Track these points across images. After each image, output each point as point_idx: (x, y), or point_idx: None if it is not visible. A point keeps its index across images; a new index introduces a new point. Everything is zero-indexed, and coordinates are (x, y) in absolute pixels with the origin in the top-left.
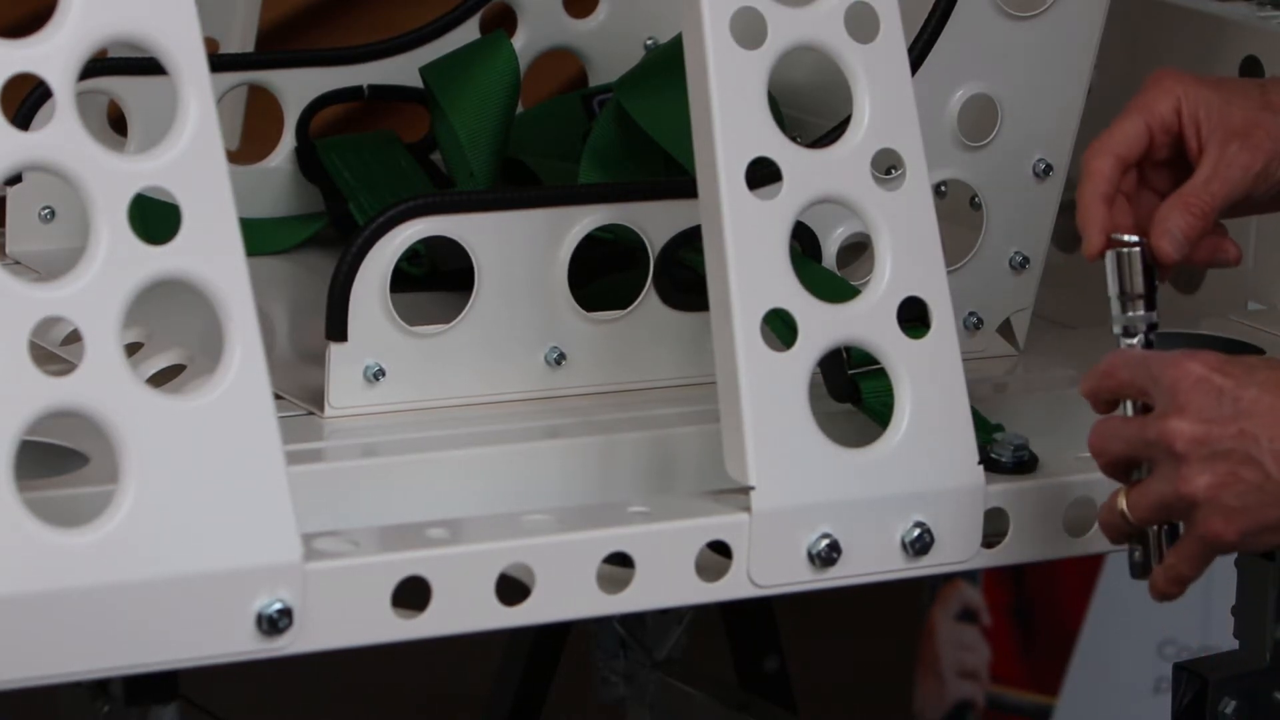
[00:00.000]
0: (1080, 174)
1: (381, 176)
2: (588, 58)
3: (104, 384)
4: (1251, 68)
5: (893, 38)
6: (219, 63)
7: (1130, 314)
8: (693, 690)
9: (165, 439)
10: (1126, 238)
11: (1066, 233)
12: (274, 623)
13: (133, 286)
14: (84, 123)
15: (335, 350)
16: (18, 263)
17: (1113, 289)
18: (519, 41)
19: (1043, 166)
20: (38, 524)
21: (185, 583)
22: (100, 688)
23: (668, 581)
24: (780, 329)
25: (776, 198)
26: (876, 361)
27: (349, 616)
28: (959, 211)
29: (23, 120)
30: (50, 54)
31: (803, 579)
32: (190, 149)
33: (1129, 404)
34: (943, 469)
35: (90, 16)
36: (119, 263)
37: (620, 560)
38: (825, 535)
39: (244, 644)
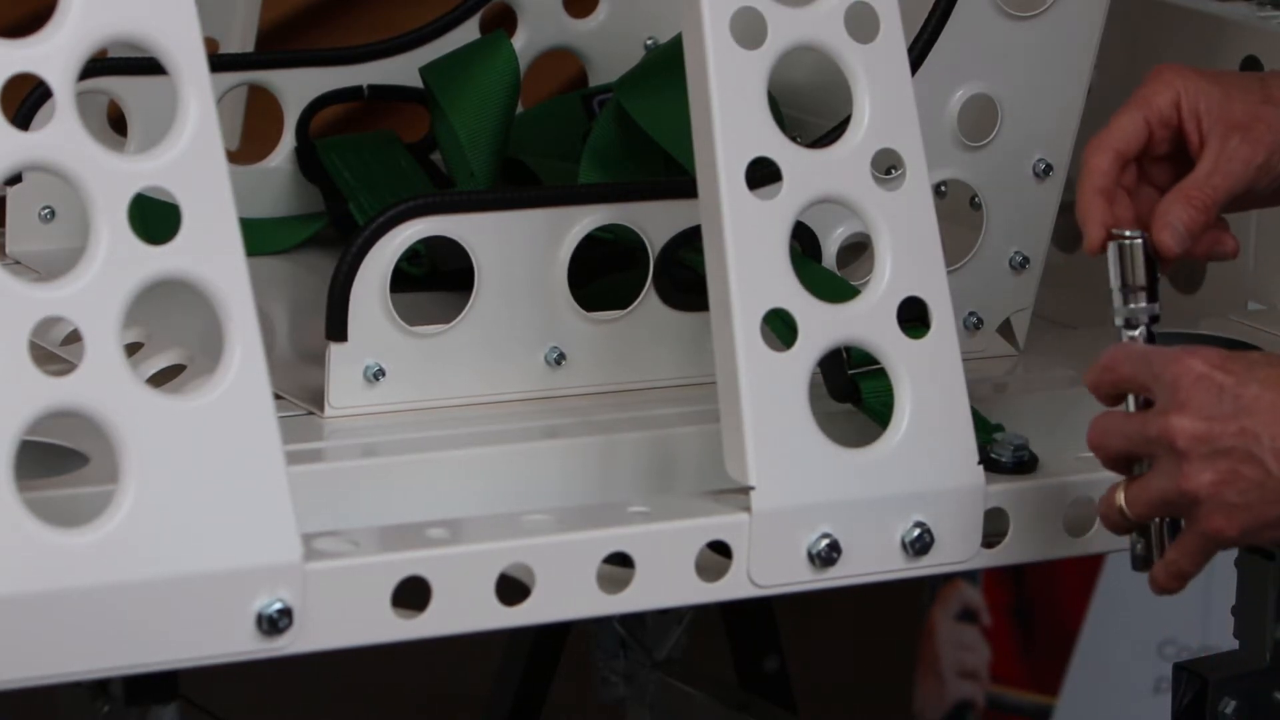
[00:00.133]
0: (1079, 170)
1: (381, 176)
2: (588, 58)
3: (104, 384)
4: (1251, 68)
5: (893, 38)
6: (219, 63)
7: (1132, 306)
8: (693, 690)
9: (165, 439)
10: (1128, 232)
11: (1066, 233)
12: (274, 623)
13: (133, 286)
14: (84, 123)
15: (335, 350)
16: (18, 263)
17: (1114, 281)
18: (519, 41)
19: (1043, 166)
20: (38, 524)
21: (185, 583)
22: (100, 688)
23: (668, 581)
24: (780, 329)
25: (776, 198)
26: (876, 361)
27: (349, 616)
28: (959, 211)
29: (23, 120)
30: (50, 54)
31: (803, 579)
32: (190, 149)
33: (1131, 398)
34: (943, 469)
35: (90, 16)
36: (119, 263)
37: (620, 560)
38: (825, 535)
39: (244, 644)
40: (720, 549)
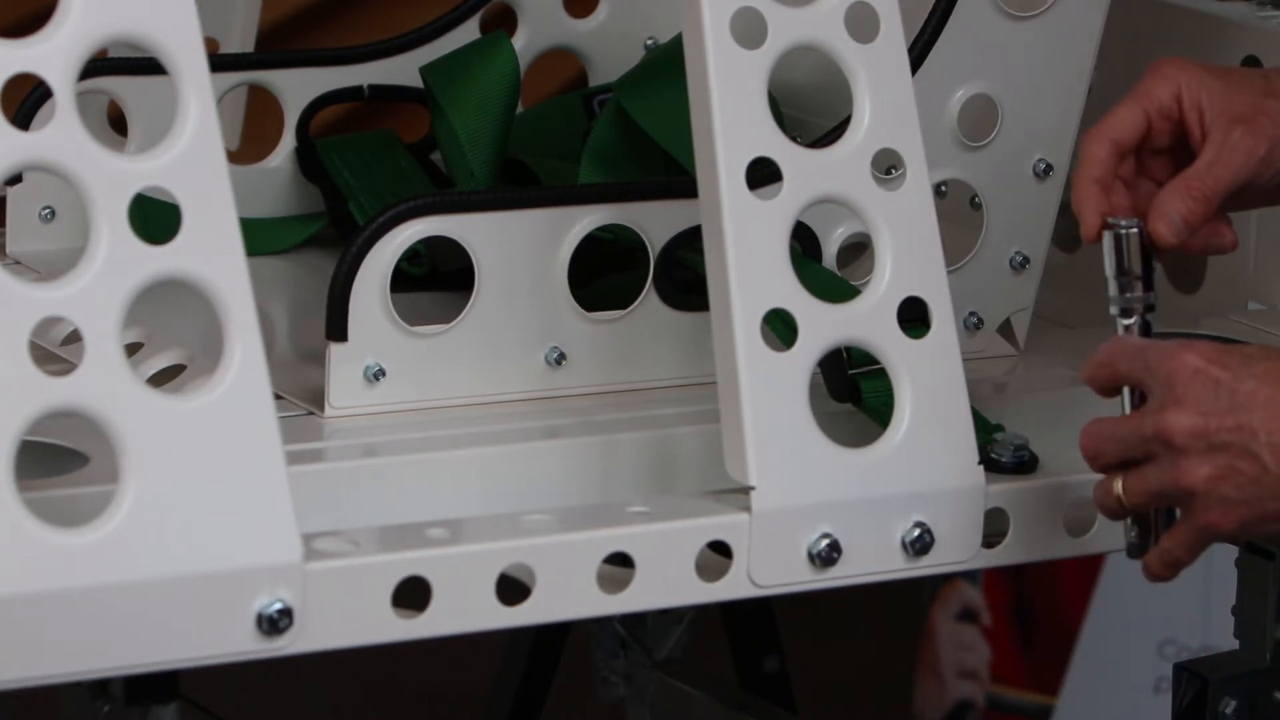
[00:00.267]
0: (1076, 159)
1: (381, 176)
2: (588, 58)
3: (104, 384)
4: (1251, 67)
5: (893, 38)
6: (219, 63)
7: (1128, 295)
8: (693, 690)
9: (165, 439)
10: (1123, 221)
11: (1066, 233)
12: (274, 623)
13: (133, 286)
14: (84, 123)
15: (335, 350)
16: (18, 263)
17: (1110, 270)
18: (519, 41)
19: (1043, 166)
20: (38, 524)
21: (185, 583)
22: (100, 688)
23: (668, 581)
24: (780, 329)
25: (776, 198)
26: (876, 361)
27: (349, 616)
28: (959, 211)
29: (23, 120)
30: (50, 54)
31: (803, 579)
32: (190, 149)
33: (1126, 392)
34: (943, 469)
35: (90, 16)
36: (119, 263)
37: (620, 560)
38: (825, 535)
39: (244, 644)
40: (720, 549)
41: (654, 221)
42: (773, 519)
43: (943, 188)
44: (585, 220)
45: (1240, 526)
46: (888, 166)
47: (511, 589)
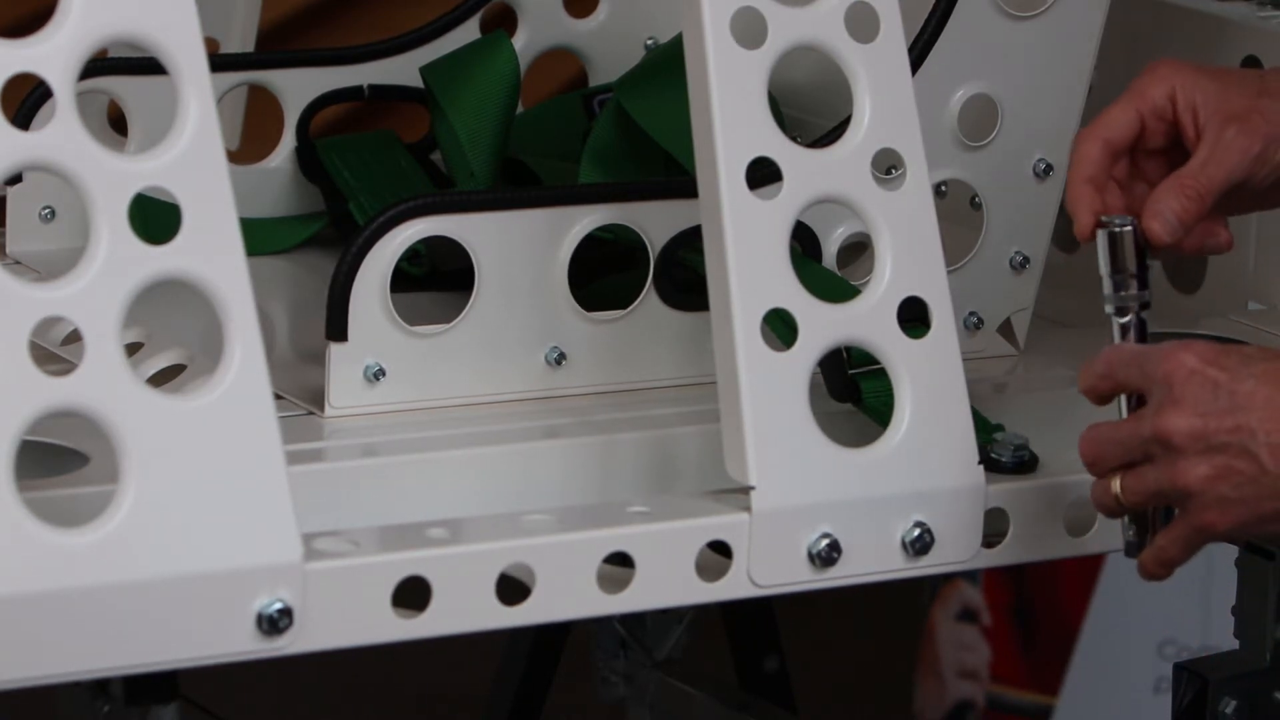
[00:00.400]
0: (1070, 159)
1: (381, 176)
2: (588, 58)
3: (104, 384)
4: (1251, 67)
5: (893, 38)
6: (219, 63)
7: (1122, 293)
8: (693, 690)
9: (165, 439)
10: (1117, 219)
11: (1066, 233)
12: (274, 623)
13: (133, 286)
14: (84, 123)
15: (335, 350)
16: (18, 263)
17: (1104, 268)
18: (519, 41)
19: (1043, 166)
20: (38, 524)
21: (185, 583)
22: (100, 688)
23: (668, 581)
24: (780, 329)
25: (776, 198)
26: (876, 361)
27: (349, 616)
28: (959, 211)
29: (23, 120)
30: (50, 54)
31: (803, 579)
32: (190, 149)
33: (1123, 397)
34: (943, 469)
35: (90, 16)
36: (119, 263)
37: (620, 560)
38: (825, 535)
39: (244, 644)
40: (720, 549)
41: (654, 221)
42: (773, 519)
43: (943, 188)
44: (585, 220)
45: (1237, 526)
46: (888, 166)
47: (511, 589)
